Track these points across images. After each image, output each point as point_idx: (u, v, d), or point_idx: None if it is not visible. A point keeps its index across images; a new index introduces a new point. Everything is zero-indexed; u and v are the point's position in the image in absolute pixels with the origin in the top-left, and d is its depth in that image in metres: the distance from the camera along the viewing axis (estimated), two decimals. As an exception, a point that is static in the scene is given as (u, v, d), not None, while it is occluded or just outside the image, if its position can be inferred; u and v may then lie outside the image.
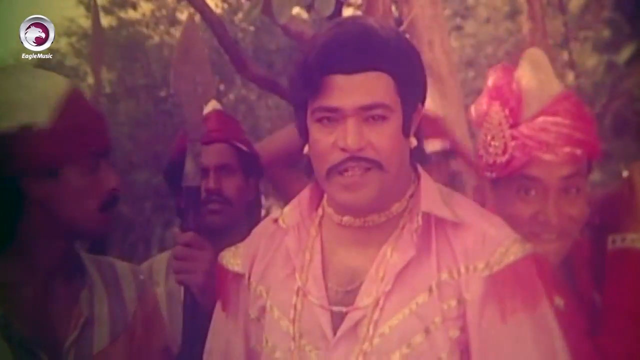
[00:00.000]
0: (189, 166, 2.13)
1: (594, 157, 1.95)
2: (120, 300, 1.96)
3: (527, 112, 1.92)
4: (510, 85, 1.94)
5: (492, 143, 1.93)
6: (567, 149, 1.87)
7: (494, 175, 1.94)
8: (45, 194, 1.81)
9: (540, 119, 1.90)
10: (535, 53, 2.01)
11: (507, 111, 1.92)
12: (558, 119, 1.89)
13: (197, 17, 3.85)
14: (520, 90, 1.93)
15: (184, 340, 2.11)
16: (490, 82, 1.99)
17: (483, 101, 1.99)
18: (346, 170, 1.58)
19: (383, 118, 1.59)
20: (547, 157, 1.87)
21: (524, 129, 1.90)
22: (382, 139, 1.58)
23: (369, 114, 1.58)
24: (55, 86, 1.85)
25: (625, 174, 1.99)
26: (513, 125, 1.91)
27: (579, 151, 1.88)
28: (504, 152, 1.90)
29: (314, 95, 1.58)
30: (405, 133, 1.63)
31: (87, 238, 2.01)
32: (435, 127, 2.58)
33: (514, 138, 1.89)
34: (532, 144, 1.87)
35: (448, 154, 2.64)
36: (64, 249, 1.89)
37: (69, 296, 1.89)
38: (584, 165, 1.92)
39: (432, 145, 2.60)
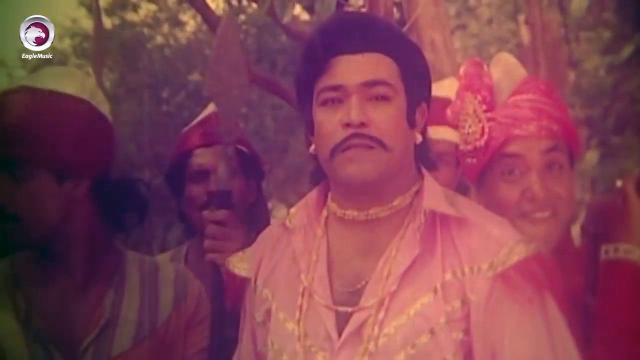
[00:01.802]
0: (222, 170, 2.10)
1: (572, 143, 1.97)
2: (153, 303, 1.95)
3: (499, 99, 1.96)
4: (481, 77, 1.98)
5: (470, 130, 1.96)
6: (542, 122, 1.91)
7: (474, 161, 1.96)
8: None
9: (512, 98, 1.95)
10: (504, 56, 2.06)
11: (479, 97, 1.96)
12: (529, 96, 1.94)
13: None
14: (491, 82, 1.98)
15: (212, 329, 2.05)
16: (461, 74, 2.04)
17: (456, 99, 2.03)
18: (349, 147, 1.60)
19: (386, 99, 1.62)
20: (524, 131, 1.90)
21: (498, 110, 1.94)
22: (385, 117, 1.61)
23: (372, 92, 1.61)
24: None
25: (619, 183, 2.00)
26: (487, 111, 1.95)
27: (555, 126, 1.92)
28: (482, 134, 1.93)
29: (319, 77, 1.62)
30: (410, 122, 1.64)
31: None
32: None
33: (489, 120, 1.93)
34: (508, 121, 1.91)
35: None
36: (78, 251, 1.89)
37: (96, 296, 1.90)
38: (562, 144, 1.94)
39: (444, 134, 2.48)
